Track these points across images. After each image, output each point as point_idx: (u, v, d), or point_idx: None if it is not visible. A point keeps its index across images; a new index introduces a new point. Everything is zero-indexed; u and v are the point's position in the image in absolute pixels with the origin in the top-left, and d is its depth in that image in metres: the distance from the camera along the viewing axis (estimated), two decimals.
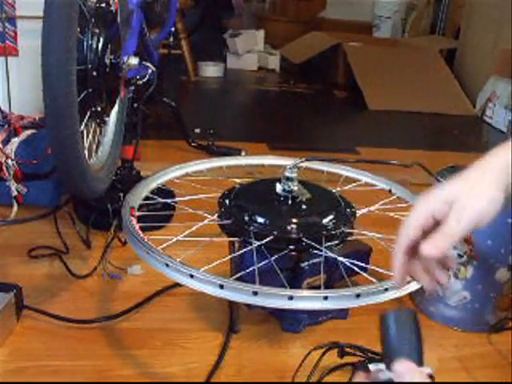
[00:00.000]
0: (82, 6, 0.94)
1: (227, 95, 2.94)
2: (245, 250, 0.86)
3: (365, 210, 0.97)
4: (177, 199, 1.24)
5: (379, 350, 0.89)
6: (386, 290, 0.73)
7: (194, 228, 0.87)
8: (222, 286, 0.71)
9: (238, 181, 1.03)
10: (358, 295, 0.72)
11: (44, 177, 1.29)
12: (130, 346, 0.93)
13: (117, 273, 1.12)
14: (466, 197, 0.57)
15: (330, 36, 3.21)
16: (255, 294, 0.70)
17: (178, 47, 2.75)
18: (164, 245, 0.80)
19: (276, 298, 0.70)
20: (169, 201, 1.14)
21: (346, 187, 1.05)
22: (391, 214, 0.98)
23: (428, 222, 0.57)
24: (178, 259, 0.75)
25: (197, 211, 0.92)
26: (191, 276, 0.72)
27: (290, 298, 0.70)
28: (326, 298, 0.71)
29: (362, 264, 0.86)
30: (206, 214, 0.91)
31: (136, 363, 0.90)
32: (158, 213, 1.18)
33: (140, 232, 0.82)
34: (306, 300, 0.71)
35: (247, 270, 0.81)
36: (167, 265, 0.74)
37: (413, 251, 0.58)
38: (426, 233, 0.57)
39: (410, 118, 2.61)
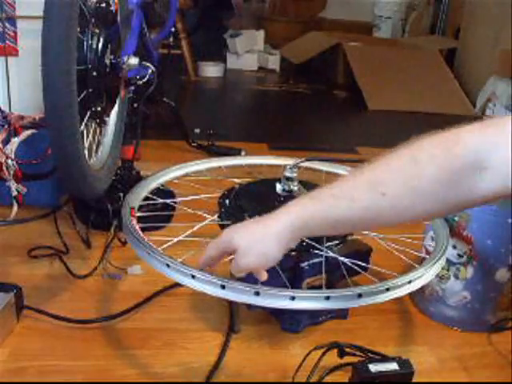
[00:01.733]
0: (82, 6, 0.94)
1: (227, 95, 2.94)
2: None
3: None
4: (177, 199, 1.25)
5: (379, 349, 0.89)
6: (387, 289, 0.73)
7: (194, 228, 0.87)
8: (223, 287, 0.71)
9: (237, 181, 1.03)
10: (360, 295, 0.72)
11: (44, 177, 1.29)
12: (129, 346, 0.93)
13: (117, 273, 1.12)
14: (244, 249, 0.67)
15: (330, 36, 3.21)
16: (257, 294, 0.70)
17: (178, 47, 2.74)
18: (165, 245, 0.80)
19: (278, 298, 0.70)
20: (169, 201, 1.14)
21: None
22: None
23: (220, 255, 0.71)
24: (179, 259, 0.75)
25: (197, 211, 0.92)
26: (193, 276, 0.72)
27: (292, 298, 0.70)
28: (327, 297, 0.71)
29: (362, 264, 0.86)
30: (205, 215, 0.91)
31: (136, 363, 0.90)
32: (158, 213, 1.18)
33: (140, 232, 0.82)
34: (308, 300, 0.71)
35: None
36: (168, 265, 0.74)
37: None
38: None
39: (410, 118, 2.61)
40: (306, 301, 0.71)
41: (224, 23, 3.55)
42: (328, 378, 0.87)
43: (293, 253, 0.87)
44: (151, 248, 0.77)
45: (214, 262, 0.72)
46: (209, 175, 1.11)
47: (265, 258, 0.67)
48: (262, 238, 0.66)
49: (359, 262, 0.86)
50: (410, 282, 0.76)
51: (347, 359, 0.87)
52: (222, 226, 0.91)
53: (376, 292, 0.73)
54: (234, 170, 1.14)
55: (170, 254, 0.77)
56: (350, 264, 0.84)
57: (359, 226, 0.69)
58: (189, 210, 0.97)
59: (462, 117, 2.68)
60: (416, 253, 0.94)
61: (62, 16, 0.83)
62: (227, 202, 0.93)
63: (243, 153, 1.82)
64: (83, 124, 1.00)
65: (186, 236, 0.86)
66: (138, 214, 0.89)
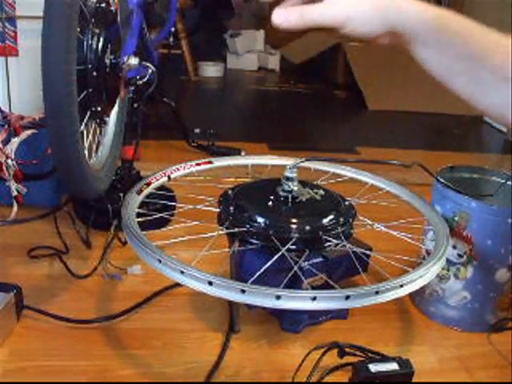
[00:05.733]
0: (82, 6, 0.94)
1: (227, 95, 2.95)
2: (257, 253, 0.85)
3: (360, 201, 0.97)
4: (177, 199, 1.25)
5: (379, 349, 0.89)
6: (388, 290, 0.73)
7: (194, 232, 0.87)
8: (243, 291, 0.69)
9: (237, 181, 1.03)
10: (377, 292, 0.72)
11: (44, 177, 1.29)
12: (129, 346, 0.93)
13: (117, 273, 1.12)
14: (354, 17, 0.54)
15: (330, 36, 3.21)
16: (278, 298, 0.69)
17: (178, 47, 2.75)
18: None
19: (299, 300, 0.68)
20: (169, 198, 1.14)
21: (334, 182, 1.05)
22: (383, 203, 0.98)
23: None
24: (174, 256, 0.75)
25: (196, 217, 0.92)
26: (210, 283, 0.71)
27: (313, 298, 0.69)
28: (347, 297, 0.70)
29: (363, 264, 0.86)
30: (207, 206, 0.91)
31: (136, 363, 0.90)
32: (159, 208, 1.18)
33: (140, 231, 0.82)
34: (330, 300, 0.71)
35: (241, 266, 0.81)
36: (182, 272, 0.73)
37: None
38: None
39: (410, 118, 2.61)
40: (327, 301, 0.71)
41: (224, 23, 3.55)
42: (328, 378, 0.87)
43: (293, 253, 0.87)
44: (160, 253, 0.75)
45: None
46: (208, 175, 1.11)
47: (362, 20, 0.54)
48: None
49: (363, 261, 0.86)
50: (410, 281, 0.75)
51: (347, 359, 0.87)
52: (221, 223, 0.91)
53: (381, 291, 0.73)
54: (234, 169, 1.14)
55: (169, 253, 0.77)
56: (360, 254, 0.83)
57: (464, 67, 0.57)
58: (189, 219, 0.97)
59: (462, 117, 2.68)
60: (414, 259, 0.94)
61: (62, 16, 0.83)
62: (227, 202, 0.93)
63: (243, 153, 1.82)
64: (83, 124, 1.00)
65: (187, 235, 0.86)
66: (138, 213, 0.89)
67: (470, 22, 0.57)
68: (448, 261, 1.00)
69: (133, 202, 0.91)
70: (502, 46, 0.56)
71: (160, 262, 0.75)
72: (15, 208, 1.27)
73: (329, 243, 0.85)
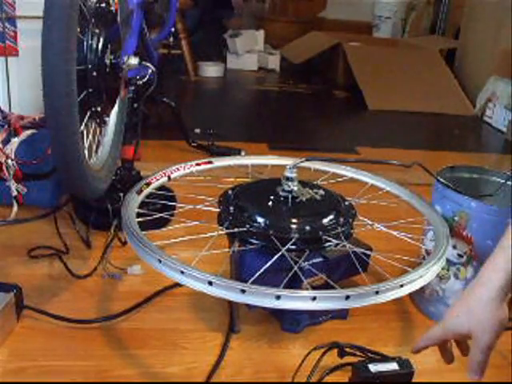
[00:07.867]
0: (82, 6, 0.94)
1: (227, 95, 2.94)
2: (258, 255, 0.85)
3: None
4: (177, 199, 1.25)
5: (379, 349, 0.89)
6: (388, 290, 0.73)
7: (194, 232, 0.87)
8: (243, 291, 0.69)
9: (237, 181, 1.03)
10: (377, 292, 0.72)
11: (44, 177, 1.29)
12: (129, 346, 0.93)
13: (117, 273, 1.12)
14: (475, 328, 0.69)
15: (330, 36, 3.21)
16: (278, 298, 0.69)
17: (178, 47, 2.75)
18: (162, 241, 0.80)
19: (299, 300, 0.69)
20: (169, 198, 1.14)
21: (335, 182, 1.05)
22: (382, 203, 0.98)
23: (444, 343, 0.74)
24: (174, 256, 0.75)
25: (196, 217, 0.92)
26: (210, 283, 0.71)
27: (313, 298, 0.69)
28: (347, 297, 0.71)
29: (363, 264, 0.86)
30: (207, 206, 0.91)
31: (136, 363, 0.90)
32: (159, 208, 1.18)
33: (140, 231, 0.82)
34: (329, 300, 0.71)
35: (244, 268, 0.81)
36: (182, 272, 0.73)
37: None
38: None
39: (410, 118, 2.61)
40: (327, 301, 0.71)
41: (224, 23, 3.55)
42: (328, 378, 0.87)
43: (293, 253, 0.87)
44: (160, 253, 0.75)
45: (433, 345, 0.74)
46: (208, 175, 1.11)
47: (492, 325, 0.69)
48: (480, 306, 0.69)
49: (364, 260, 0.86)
50: (410, 281, 0.76)
51: (347, 359, 0.87)
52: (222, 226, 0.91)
53: (381, 291, 0.73)
54: (234, 169, 1.14)
55: (170, 253, 0.77)
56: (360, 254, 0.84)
57: None
58: (189, 220, 0.97)
59: (462, 117, 2.68)
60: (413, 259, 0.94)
61: (62, 16, 0.83)
62: (227, 202, 0.93)
63: (243, 153, 1.82)
64: (83, 124, 1.00)
65: (186, 235, 0.86)
66: (138, 213, 0.89)
67: None
68: (448, 261, 1.00)
69: (133, 202, 0.91)
70: None
71: (160, 261, 0.75)
72: (15, 208, 1.27)
73: (329, 243, 0.85)
